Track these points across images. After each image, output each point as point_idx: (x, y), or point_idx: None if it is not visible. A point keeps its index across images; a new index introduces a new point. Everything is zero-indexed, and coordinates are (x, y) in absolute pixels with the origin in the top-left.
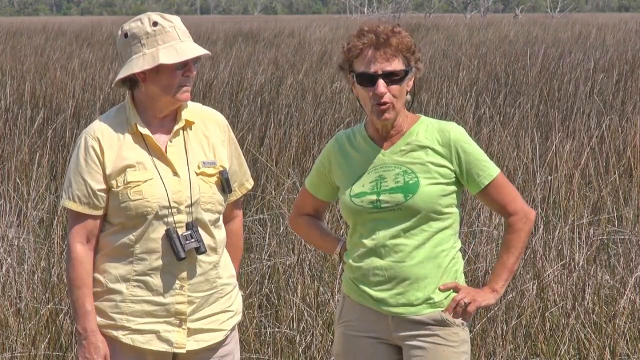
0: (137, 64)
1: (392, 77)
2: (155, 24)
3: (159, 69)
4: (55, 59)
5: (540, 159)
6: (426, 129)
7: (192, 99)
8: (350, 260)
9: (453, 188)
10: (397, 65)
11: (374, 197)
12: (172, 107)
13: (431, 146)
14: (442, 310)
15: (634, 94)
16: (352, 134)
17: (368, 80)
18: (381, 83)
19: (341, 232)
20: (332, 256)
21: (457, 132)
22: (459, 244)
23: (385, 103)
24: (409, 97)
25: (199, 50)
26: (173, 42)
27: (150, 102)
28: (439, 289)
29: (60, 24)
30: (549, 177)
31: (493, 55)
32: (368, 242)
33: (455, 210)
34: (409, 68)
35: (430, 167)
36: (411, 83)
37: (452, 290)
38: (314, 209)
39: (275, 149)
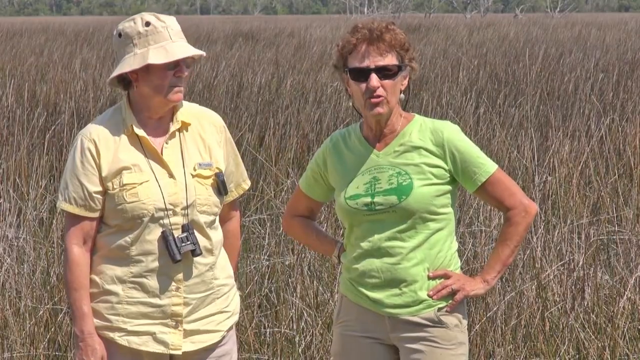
0: (128, 64)
1: (385, 72)
2: (147, 24)
3: (149, 69)
4: (56, 59)
5: (540, 159)
6: (419, 129)
7: (192, 99)
8: (347, 262)
9: (448, 188)
10: (390, 60)
11: (368, 199)
12: (165, 107)
13: (424, 146)
14: (438, 309)
15: (634, 94)
16: (347, 133)
17: (361, 74)
18: (374, 77)
19: (341, 232)
20: (331, 258)
21: (450, 131)
22: (455, 245)
23: (378, 96)
24: (402, 96)
25: (189, 51)
26: (164, 42)
27: (144, 103)
28: (428, 276)
29: (60, 24)
30: (549, 178)
31: (493, 55)
32: (364, 244)
33: (450, 210)
34: (402, 64)
35: (424, 168)
36: (406, 82)
37: (442, 278)
38: (308, 209)
39: (275, 149)
